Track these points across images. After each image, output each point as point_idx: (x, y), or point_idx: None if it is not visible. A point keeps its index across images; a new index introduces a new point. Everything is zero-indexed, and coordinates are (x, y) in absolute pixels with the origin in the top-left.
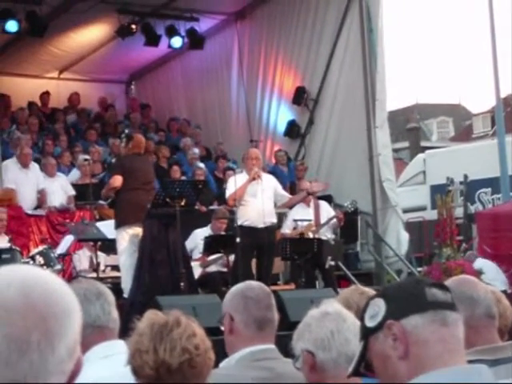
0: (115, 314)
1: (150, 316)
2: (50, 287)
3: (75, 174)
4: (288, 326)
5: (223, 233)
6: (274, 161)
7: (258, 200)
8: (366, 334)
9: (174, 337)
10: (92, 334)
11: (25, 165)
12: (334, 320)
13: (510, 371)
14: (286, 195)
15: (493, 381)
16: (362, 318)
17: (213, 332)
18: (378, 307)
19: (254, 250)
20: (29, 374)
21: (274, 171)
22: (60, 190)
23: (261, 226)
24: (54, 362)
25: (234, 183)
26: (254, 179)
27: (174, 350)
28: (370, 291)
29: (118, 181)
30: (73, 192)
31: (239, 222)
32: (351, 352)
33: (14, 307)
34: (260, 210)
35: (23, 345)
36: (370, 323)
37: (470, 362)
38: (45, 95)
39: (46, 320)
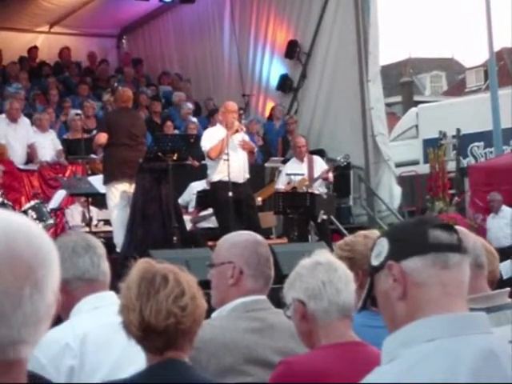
0: (105, 266)
1: (141, 267)
2: (33, 235)
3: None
4: (280, 278)
5: (209, 188)
6: (267, 115)
7: (238, 154)
8: (371, 272)
9: (159, 299)
10: (81, 287)
11: (13, 119)
12: (325, 270)
13: (501, 319)
14: None
15: (490, 328)
16: (370, 256)
17: (206, 285)
18: (382, 247)
19: (233, 204)
20: (22, 326)
21: (265, 127)
22: (51, 144)
23: (241, 181)
24: (44, 309)
25: (212, 137)
26: (237, 131)
27: (160, 313)
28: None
29: (102, 138)
30: (60, 147)
31: (219, 177)
32: (342, 302)
33: (1, 262)
34: (240, 165)
35: (16, 299)
36: (374, 262)
37: None
38: (33, 49)
39: (35, 270)
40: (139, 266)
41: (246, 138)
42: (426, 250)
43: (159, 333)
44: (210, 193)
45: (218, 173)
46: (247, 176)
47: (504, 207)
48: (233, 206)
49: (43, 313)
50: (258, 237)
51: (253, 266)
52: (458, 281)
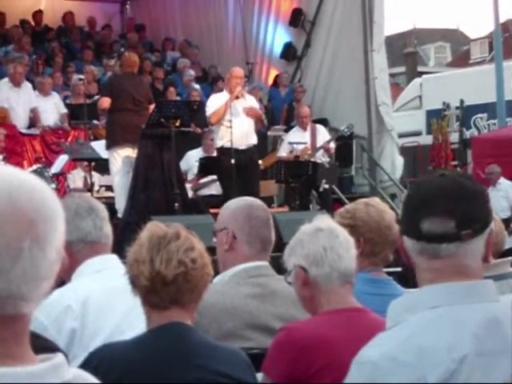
0: (108, 229)
1: (151, 227)
2: (36, 190)
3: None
4: (281, 246)
5: (215, 154)
6: (270, 83)
7: (242, 121)
8: None
9: (171, 249)
10: (84, 249)
11: (16, 84)
12: (326, 236)
13: (503, 287)
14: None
15: (498, 295)
16: None
17: (208, 252)
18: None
19: (235, 170)
20: (21, 280)
21: (270, 93)
22: (54, 109)
23: (242, 147)
24: (46, 267)
25: (216, 102)
26: (237, 98)
27: (170, 262)
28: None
29: (105, 102)
30: (65, 110)
31: (221, 143)
32: (343, 267)
33: (3, 216)
34: (243, 131)
35: (15, 252)
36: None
37: None
38: (38, 13)
39: (36, 225)
40: (149, 227)
41: (256, 104)
42: (417, 238)
43: (168, 283)
44: (214, 159)
45: (221, 139)
46: (253, 142)
47: (502, 180)
48: (235, 172)
49: (45, 269)
50: (255, 201)
51: (246, 230)
52: (453, 267)
